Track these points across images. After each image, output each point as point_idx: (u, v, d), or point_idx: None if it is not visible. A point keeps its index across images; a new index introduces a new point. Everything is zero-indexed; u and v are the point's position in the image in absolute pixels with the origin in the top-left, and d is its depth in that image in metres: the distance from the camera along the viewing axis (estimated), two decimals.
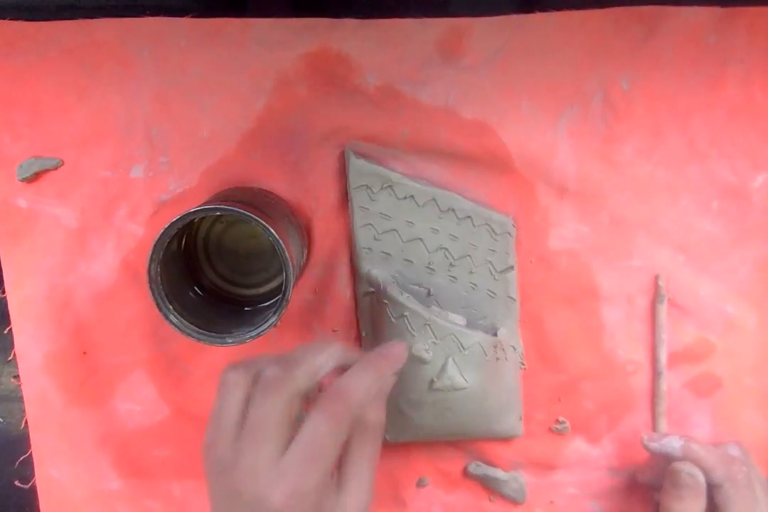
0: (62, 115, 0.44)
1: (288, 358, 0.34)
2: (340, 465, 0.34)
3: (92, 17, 0.43)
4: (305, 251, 0.44)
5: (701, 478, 0.39)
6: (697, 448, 0.41)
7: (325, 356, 0.34)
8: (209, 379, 0.46)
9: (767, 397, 0.46)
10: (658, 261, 0.45)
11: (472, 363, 0.42)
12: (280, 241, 0.36)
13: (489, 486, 0.47)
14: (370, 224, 0.44)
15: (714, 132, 0.44)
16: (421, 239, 0.44)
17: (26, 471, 0.48)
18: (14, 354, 0.46)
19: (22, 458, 0.48)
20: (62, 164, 0.44)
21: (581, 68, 0.43)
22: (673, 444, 0.41)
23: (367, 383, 0.33)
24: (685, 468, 0.40)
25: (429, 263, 0.44)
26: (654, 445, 0.42)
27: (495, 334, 0.43)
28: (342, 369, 0.35)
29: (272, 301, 0.41)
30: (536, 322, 0.46)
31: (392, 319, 0.42)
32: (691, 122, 0.44)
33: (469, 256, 0.44)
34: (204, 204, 0.37)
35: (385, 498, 0.48)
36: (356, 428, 0.33)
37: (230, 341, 0.37)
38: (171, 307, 0.37)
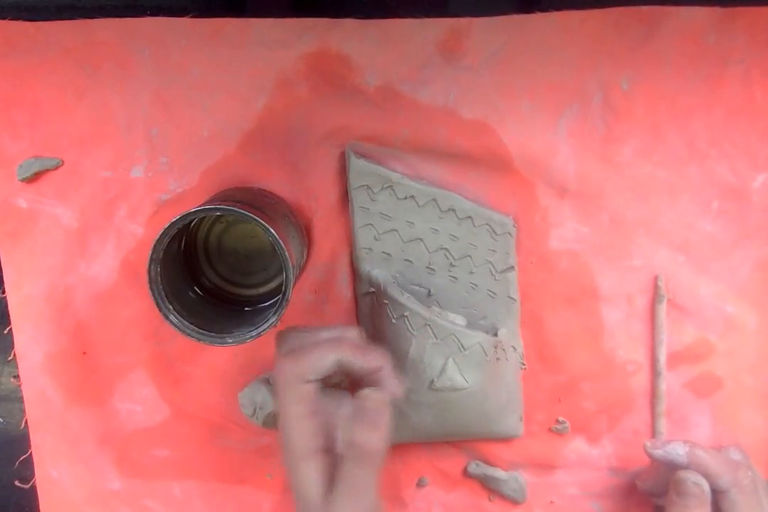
0: (62, 115, 0.44)
1: (299, 350, 0.37)
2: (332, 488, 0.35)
3: (92, 17, 0.43)
4: (305, 251, 0.44)
5: (706, 487, 0.39)
6: (702, 455, 0.40)
7: (332, 356, 0.36)
8: (209, 379, 0.46)
9: (767, 397, 0.46)
10: (658, 261, 0.45)
11: (472, 363, 0.42)
12: (280, 241, 0.36)
13: (489, 486, 0.47)
14: (370, 224, 0.44)
15: (714, 132, 0.44)
16: (421, 239, 0.44)
17: (26, 471, 0.48)
18: (14, 354, 0.46)
19: (22, 458, 0.48)
20: (62, 164, 0.44)
21: (581, 68, 0.43)
22: (677, 450, 0.40)
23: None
24: (691, 477, 0.39)
25: (429, 263, 0.44)
26: (658, 452, 0.41)
27: (495, 334, 0.43)
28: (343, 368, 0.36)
29: (272, 301, 0.41)
30: (536, 322, 0.46)
31: (392, 320, 0.42)
32: (691, 122, 0.44)
33: (469, 256, 0.44)
34: (204, 204, 0.37)
35: (385, 498, 0.48)
36: (348, 451, 0.34)
37: (230, 341, 0.37)
38: (171, 307, 0.37)
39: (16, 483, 0.48)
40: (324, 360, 0.36)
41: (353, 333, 0.38)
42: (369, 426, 0.35)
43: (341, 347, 0.36)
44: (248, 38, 0.43)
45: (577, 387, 0.46)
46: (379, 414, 0.35)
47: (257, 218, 0.35)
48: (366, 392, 0.36)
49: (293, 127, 0.44)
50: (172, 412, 0.47)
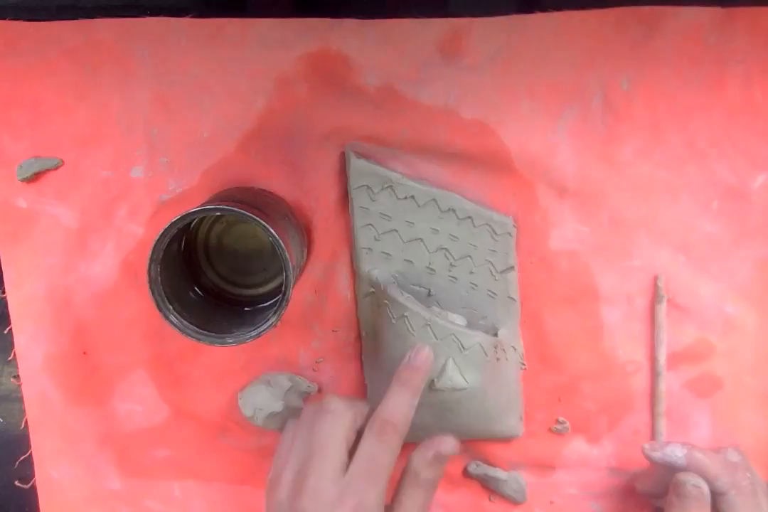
0: (62, 115, 0.44)
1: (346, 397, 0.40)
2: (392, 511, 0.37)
3: (92, 17, 0.43)
4: (305, 251, 0.44)
5: (706, 489, 0.39)
6: (700, 457, 0.40)
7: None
8: (209, 379, 0.46)
9: (767, 397, 0.46)
10: (658, 262, 0.45)
11: (472, 363, 0.42)
12: (280, 241, 0.36)
13: (489, 486, 0.47)
14: (370, 224, 0.44)
15: (714, 132, 0.44)
16: (421, 239, 0.44)
17: (26, 471, 0.48)
18: (14, 354, 0.46)
19: (22, 458, 0.48)
20: (62, 164, 0.44)
21: (581, 68, 0.43)
22: (676, 453, 0.40)
23: (406, 402, 0.38)
24: (690, 479, 0.39)
25: (429, 263, 0.44)
26: (656, 455, 0.41)
27: (495, 334, 0.43)
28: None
29: (272, 301, 0.41)
30: (536, 322, 0.46)
31: (393, 320, 0.42)
32: (691, 122, 0.44)
33: (469, 256, 0.44)
34: (204, 204, 0.37)
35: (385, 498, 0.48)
36: (409, 480, 0.37)
37: (230, 341, 0.37)
38: (171, 307, 0.37)
39: (16, 483, 0.48)
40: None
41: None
42: (440, 465, 0.37)
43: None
44: (248, 38, 0.43)
45: (577, 387, 0.46)
46: (446, 458, 0.38)
47: (257, 218, 0.35)
48: (443, 438, 0.38)
49: (293, 127, 0.44)
50: (172, 412, 0.47)
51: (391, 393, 0.38)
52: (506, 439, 0.46)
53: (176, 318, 0.37)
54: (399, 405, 0.38)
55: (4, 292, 0.46)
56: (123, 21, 0.43)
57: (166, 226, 0.35)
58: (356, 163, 0.43)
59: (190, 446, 0.47)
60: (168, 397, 0.47)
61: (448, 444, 0.37)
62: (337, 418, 0.37)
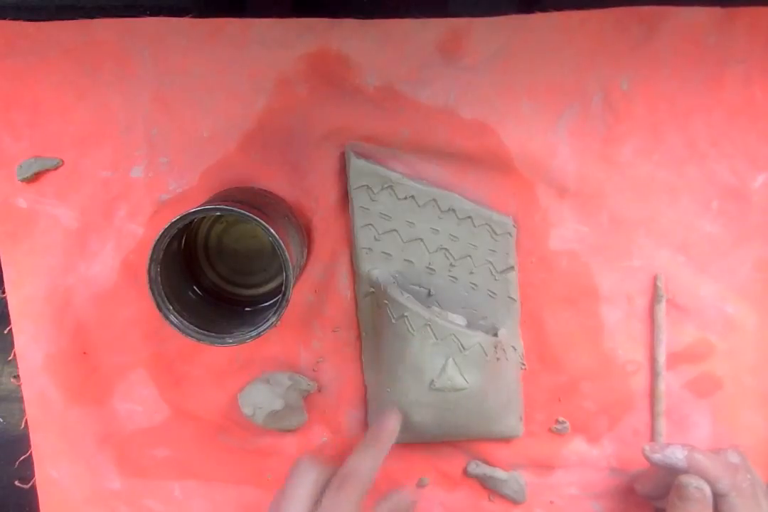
0: (62, 115, 0.44)
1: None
2: None
3: (92, 17, 0.43)
4: (305, 251, 0.44)
5: (708, 491, 0.39)
6: (701, 458, 0.40)
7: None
8: (209, 379, 0.46)
9: (767, 397, 0.46)
10: (658, 261, 0.45)
11: (472, 363, 0.42)
12: (280, 241, 0.36)
13: (489, 486, 0.47)
14: (370, 224, 0.44)
15: (714, 132, 0.44)
16: (421, 239, 0.44)
17: (26, 471, 0.48)
18: (14, 354, 0.46)
19: (22, 458, 0.48)
20: (62, 164, 0.44)
21: (581, 68, 0.43)
22: (676, 454, 0.40)
23: (370, 458, 0.39)
24: (693, 481, 0.39)
25: (429, 263, 0.44)
26: (657, 457, 0.41)
27: (495, 334, 0.43)
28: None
29: (272, 301, 0.41)
30: (536, 322, 0.46)
31: (392, 320, 0.42)
32: (691, 122, 0.44)
33: (469, 256, 0.44)
34: (204, 204, 0.37)
35: None
36: None
37: (230, 341, 0.37)
38: (171, 307, 0.37)
39: (16, 483, 0.48)
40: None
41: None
42: None
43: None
44: (248, 38, 0.43)
45: (577, 387, 0.46)
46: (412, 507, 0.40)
47: (257, 218, 0.35)
48: (399, 491, 0.40)
49: (293, 127, 0.44)
50: (172, 412, 0.47)
51: (355, 451, 0.39)
52: (506, 439, 0.46)
53: (176, 318, 0.37)
54: (362, 460, 0.39)
55: (4, 292, 0.46)
56: (123, 21, 0.43)
57: (166, 226, 0.35)
58: (356, 163, 0.43)
59: (190, 446, 0.47)
60: (168, 397, 0.47)
61: (403, 494, 0.39)
62: (301, 476, 0.38)
